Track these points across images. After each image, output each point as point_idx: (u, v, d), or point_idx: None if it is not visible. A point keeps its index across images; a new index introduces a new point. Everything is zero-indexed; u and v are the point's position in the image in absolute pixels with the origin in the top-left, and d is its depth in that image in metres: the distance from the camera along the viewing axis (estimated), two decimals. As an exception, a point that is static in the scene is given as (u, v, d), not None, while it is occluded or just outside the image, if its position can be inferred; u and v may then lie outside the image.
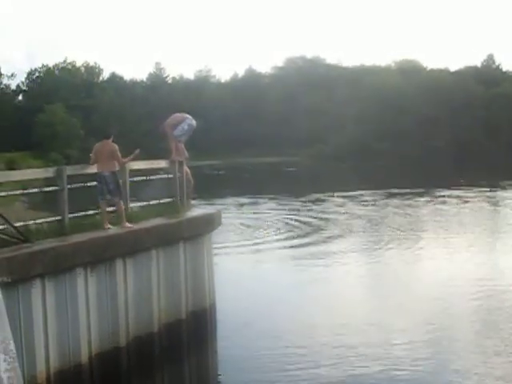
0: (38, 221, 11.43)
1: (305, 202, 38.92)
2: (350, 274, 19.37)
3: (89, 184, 12.49)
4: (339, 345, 12.69)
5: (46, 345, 9.94)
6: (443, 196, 39.35)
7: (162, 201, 14.16)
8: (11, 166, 56.27)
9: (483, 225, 29.01)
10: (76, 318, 10.49)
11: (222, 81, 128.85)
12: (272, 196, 42.59)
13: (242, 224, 29.78)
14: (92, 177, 12.36)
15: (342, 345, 12.66)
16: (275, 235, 26.51)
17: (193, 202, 16.31)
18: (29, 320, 9.66)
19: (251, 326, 14.21)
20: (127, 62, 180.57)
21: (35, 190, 12.11)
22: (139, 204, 13.92)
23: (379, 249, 22.93)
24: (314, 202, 38.69)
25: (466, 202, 36.76)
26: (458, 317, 14.64)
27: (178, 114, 15.74)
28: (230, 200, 40.81)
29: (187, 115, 15.55)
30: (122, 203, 12.28)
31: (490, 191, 41.99)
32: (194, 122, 15.37)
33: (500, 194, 41.63)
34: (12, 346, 2.96)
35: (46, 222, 11.54)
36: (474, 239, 25.10)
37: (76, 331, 10.47)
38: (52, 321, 10.08)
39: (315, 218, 31.26)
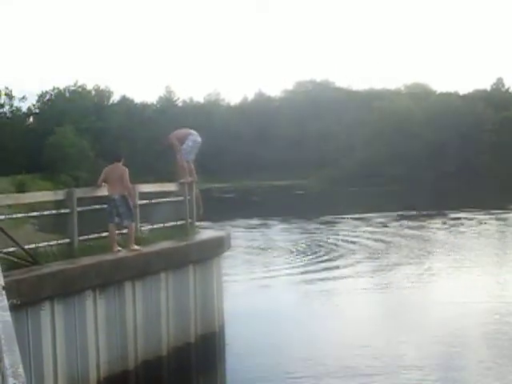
0: (48, 243, 11.43)
1: (313, 224, 38.87)
2: (363, 299, 19.25)
3: (98, 206, 12.52)
4: (349, 370, 12.59)
5: (54, 368, 9.88)
6: (455, 219, 39.30)
7: (171, 223, 14.14)
8: (21, 189, 56.36)
9: (497, 247, 28.92)
10: (85, 341, 10.45)
11: (232, 104, 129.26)
12: (280, 219, 42.55)
13: (251, 246, 29.76)
14: (102, 199, 12.39)
15: (352, 371, 12.57)
16: (285, 258, 26.44)
17: (202, 223, 16.25)
18: (38, 343, 9.62)
19: (260, 349, 14.13)
20: (137, 85, 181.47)
21: (45, 212, 12.12)
22: (149, 227, 13.91)
23: (394, 272, 22.82)
24: (322, 224, 38.63)
25: (479, 225, 36.64)
26: (474, 342, 14.52)
27: (181, 130, 15.52)
28: (239, 222, 40.77)
29: (191, 130, 15.18)
30: (133, 226, 12.27)
31: (502, 214, 41.80)
32: (198, 138, 14.97)
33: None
34: (21, 371, 2.94)
35: (56, 244, 11.53)
36: (490, 261, 25.15)
37: (85, 354, 10.43)
38: (61, 344, 10.03)
39: (325, 240, 31.19)
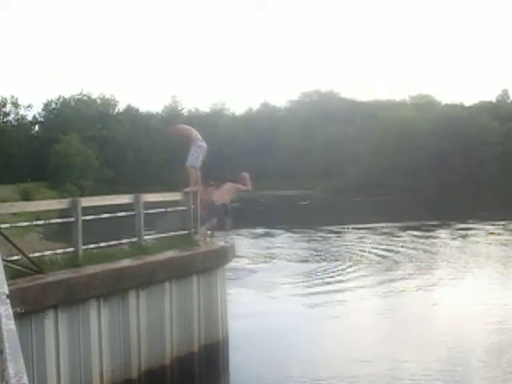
0: (52, 252, 11.44)
1: (318, 234, 38.80)
2: (366, 310, 19.16)
3: (103, 216, 12.58)
4: (352, 381, 12.57)
5: (58, 377, 9.88)
6: (460, 229, 39.21)
7: (176, 233, 14.15)
8: (26, 197, 56.55)
9: (504, 257, 28.88)
10: (88, 349, 10.45)
11: (237, 114, 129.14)
12: (285, 229, 42.48)
13: (255, 255, 29.75)
14: (105, 208, 12.54)
15: (356, 381, 12.54)
16: (290, 267, 26.38)
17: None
18: (41, 351, 9.62)
19: (264, 360, 14.09)
20: (143, 94, 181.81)
21: (50, 220, 12.15)
22: (154, 236, 13.93)
23: (403, 283, 22.76)
24: (326, 234, 38.56)
25: (485, 235, 36.58)
26: (480, 356, 14.45)
27: (187, 126, 15.49)
28: (243, 232, 40.67)
29: (197, 133, 14.88)
30: (229, 223, 15.63)
31: (507, 225, 41.66)
32: (204, 144, 14.81)
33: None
34: (25, 380, 2.94)
35: (60, 253, 11.55)
36: (498, 271, 25.17)
37: (88, 363, 10.43)
38: (64, 352, 10.03)
39: (330, 250, 31.16)
